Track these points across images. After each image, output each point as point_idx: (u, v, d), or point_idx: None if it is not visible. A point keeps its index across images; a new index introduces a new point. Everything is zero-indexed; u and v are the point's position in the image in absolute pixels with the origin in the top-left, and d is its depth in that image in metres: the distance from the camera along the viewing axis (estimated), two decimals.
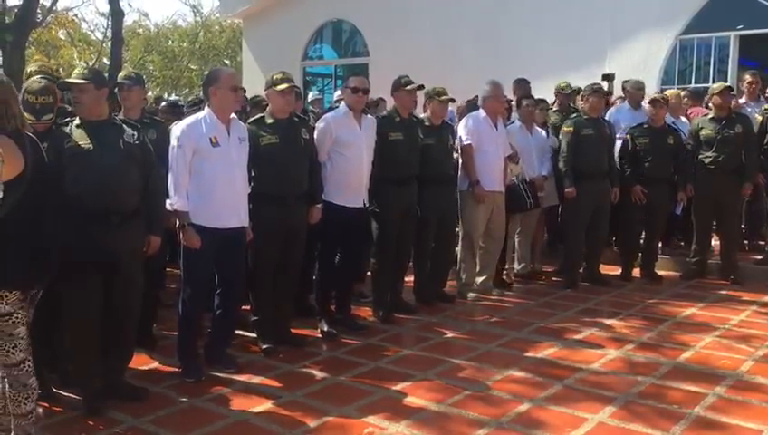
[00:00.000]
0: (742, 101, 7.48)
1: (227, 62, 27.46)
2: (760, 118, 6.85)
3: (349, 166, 4.97)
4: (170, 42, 29.19)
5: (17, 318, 3.05)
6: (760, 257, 6.98)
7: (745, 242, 7.39)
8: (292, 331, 4.90)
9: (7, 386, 3.10)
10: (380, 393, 4.00)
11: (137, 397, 3.85)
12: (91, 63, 23.71)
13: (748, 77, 7.70)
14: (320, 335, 5.03)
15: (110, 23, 15.93)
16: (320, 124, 5.07)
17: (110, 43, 14.20)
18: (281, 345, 4.68)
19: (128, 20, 20.85)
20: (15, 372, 3.07)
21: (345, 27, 13.90)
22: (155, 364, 4.46)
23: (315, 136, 4.92)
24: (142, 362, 4.41)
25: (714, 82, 9.59)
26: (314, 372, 4.35)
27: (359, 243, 5.25)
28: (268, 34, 14.17)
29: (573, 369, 4.38)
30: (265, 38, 14.26)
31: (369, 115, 5.24)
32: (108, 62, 15.02)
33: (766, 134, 6.73)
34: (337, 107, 7.06)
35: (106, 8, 18.31)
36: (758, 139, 6.68)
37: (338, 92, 11.73)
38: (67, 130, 3.65)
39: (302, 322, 5.15)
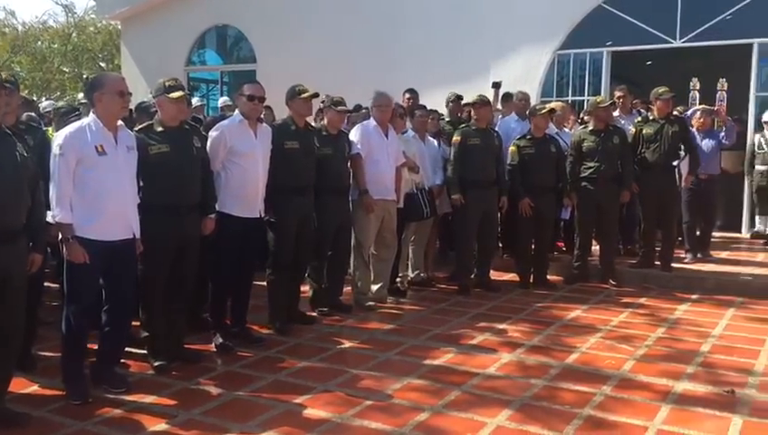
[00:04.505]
0: (615, 114, 7.92)
1: (103, 64, 26.27)
2: (633, 130, 7.28)
3: (245, 176, 4.85)
4: (40, 42, 27.53)
5: None
6: (635, 261, 7.42)
7: (620, 247, 7.83)
8: (186, 346, 4.73)
9: None
10: (281, 407, 3.92)
11: (17, 423, 3.59)
12: None
13: (618, 92, 8.18)
14: (214, 349, 4.88)
15: None
16: (213, 133, 4.91)
17: None
18: (174, 361, 4.50)
19: None
20: None
21: (230, 32, 13.61)
22: (35, 387, 4.17)
23: (209, 145, 4.79)
24: (21, 385, 4.10)
25: (588, 95, 10.18)
26: (210, 388, 4.21)
27: (254, 254, 5.13)
28: (149, 37, 13.65)
29: (470, 374, 4.47)
30: (146, 41, 13.72)
31: (264, 124, 5.14)
32: None
33: (639, 145, 7.17)
34: (223, 115, 6.89)
35: None
36: (632, 150, 7.12)
37: (223, 99, 11.51)
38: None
39: (196, 336, 4.98)
